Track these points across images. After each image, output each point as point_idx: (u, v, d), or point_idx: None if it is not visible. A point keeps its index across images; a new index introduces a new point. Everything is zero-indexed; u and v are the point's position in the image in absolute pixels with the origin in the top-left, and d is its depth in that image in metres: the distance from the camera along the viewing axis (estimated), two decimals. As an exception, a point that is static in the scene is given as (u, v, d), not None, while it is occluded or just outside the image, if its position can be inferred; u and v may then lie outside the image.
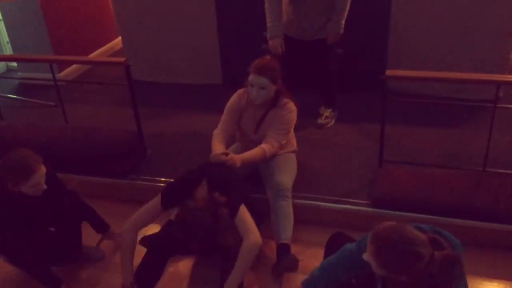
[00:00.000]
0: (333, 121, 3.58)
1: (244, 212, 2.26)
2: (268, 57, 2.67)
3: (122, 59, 3.07)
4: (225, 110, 2.75)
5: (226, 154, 2.47)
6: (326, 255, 2.12)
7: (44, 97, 4.16)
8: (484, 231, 2.51)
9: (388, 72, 2.70)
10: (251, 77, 2.57)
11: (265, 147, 2.60)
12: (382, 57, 3.73)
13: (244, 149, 2.73)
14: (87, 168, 3.10)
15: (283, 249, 2.44)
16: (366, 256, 1.68)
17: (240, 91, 2.76)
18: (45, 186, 2.23)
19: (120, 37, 4.82)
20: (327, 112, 3.56)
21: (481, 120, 3.30)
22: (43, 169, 2.20)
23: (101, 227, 2.69)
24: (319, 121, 3.53)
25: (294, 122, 2.69)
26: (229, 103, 2.75)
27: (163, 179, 3.05)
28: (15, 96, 4.29)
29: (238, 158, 2.50)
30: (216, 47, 4.11)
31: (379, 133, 2.82)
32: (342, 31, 3.20)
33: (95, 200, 2.73)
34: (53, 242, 2.44)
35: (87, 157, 3.10)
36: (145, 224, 2.37)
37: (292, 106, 2.67)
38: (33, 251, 2.29)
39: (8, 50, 5.04)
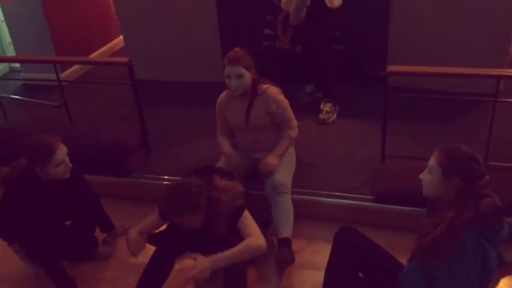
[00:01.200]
0: (334, 115, 3.60)
1: (247, 217, 2.23)
2: (237, 49, 2.73)
3: (125, 59, 3.10)
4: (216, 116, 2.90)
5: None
6: (334, 249, 2.13)
7: (47, 97, 4.19)
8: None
9: (389, 68, 2.73)
10: (227, 69, 2.67)
11: (288, 132, 2.78)
12: (383, 52, 3.75)
13: (243, 140, 2.84)
14: (92, 167, 3.10)
15: (282, 244, 2.48)
16: (422, 175, 1.84)
17: (221, 95, 2.87)
18: (70, 164, 2.31)
19: (121, 36, 4.85)
20: (327, 107, 3.58)
21: (482, 113, 3.30)
22: (63, 147, 2.29)
23: (108, 227, 2.72)
24: (320, 116, 3.55)
25: (286, 102, 2.78)
26: (216, 109, 2.88)
27: (166, 177, 3.08)
28: (18, 97, 4.31)
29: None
30: (218, 45, 4.12)
31: (381, 128, 2.85)
32: None
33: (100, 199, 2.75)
34: (69, 236, 2.49)
35: (92, 156, 3.10)
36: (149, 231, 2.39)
37: (273, 89, 2.76)
38: (52, 248, 2.33)
39: (10, 51, 5.07)
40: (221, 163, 2.81)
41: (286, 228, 2.54)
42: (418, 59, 3.51)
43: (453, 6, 3.51)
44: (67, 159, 2.30)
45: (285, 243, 2.49)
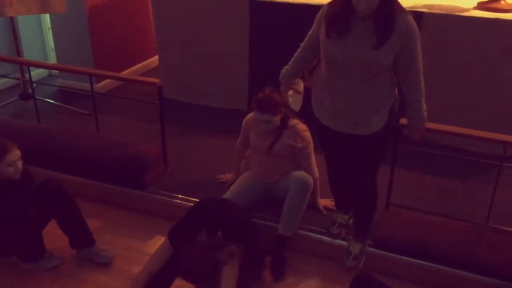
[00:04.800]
0: (363, 260, 2.73)
1: (232, 270, 2.38)
2: (268, 90, 2.80)
3: (156, 80, 3.28)
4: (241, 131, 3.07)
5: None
6: None
7: (80, 105, 4.42)
8: (474, 283, 2.60)
9: (402, 121, 2.83)
10: (255, 113, 2.79)
11: (311, 176, 2.89)
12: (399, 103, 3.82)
13: (259, 164, 2.96)
14: (110, 177, 3.29)
15: (279, 242, 2.71)
16: None
17: (250, 115, 2.96)
18: (20, 168, 2.52)
19: (156, 56, 5.08)
20: (357, 248, 2.72)
21: (490, 174, 3.34)
22: (18, 152, 2.52)
23: (82, 240, 2.81)
24: (348, 263, 2.71)
25: (311, 139, 2.87)
26: (242, 125, 3.05)
27: (179, 195, 3.22)
28: (53, 101, 4.55)
29: None
30: (246, 75, 4.32)
31: (389, 176, 2.93)
32: (426, 123, 2.41)
33: (114, 208, 2.89)
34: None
35: (112, 166, 3.29)
36: (158, 267, 2.44)
37: (302, 126, 2.87)
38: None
39: (51, 58, 5.36)
40: (228, 195, 2.91)
41: (290, 225, 2.74)
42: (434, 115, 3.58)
43: (480, 63, 3.60)
44: (19, 163, 2.52)
45: (283, 241, 2.70)
